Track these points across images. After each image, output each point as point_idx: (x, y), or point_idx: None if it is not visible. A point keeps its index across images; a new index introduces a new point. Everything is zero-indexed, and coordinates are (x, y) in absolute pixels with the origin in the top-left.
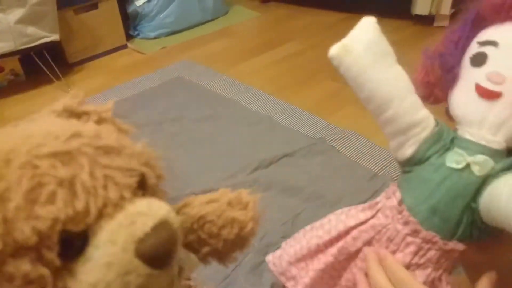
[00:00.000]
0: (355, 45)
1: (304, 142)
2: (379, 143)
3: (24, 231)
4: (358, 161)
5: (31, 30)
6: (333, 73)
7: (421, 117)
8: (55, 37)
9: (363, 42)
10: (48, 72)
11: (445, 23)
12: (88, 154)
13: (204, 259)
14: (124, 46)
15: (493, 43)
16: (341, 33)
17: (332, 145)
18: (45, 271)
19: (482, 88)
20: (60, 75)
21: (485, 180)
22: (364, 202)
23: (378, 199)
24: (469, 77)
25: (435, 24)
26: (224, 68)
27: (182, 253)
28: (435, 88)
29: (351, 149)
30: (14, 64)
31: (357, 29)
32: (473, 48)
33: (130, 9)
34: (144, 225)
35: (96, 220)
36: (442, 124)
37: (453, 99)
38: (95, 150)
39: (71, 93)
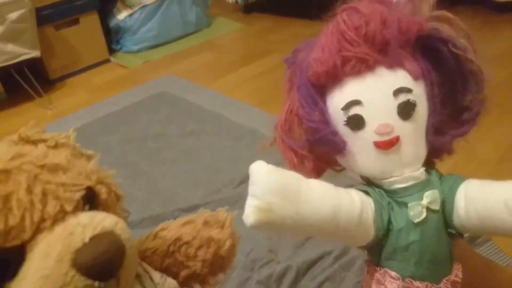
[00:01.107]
0: (269, 199)
1: None
2: None
3: None
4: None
5: (10, 47)
6: None
7: (360, 205)
8: (35, 53)
9: (275, 192)
10: (29, 89)
11: None
12: (28, 171)
13: (185, 284)
14: (107, 61)
15: (356, 103)
16: None
17: None
18: None
19: (381, 143)
20: (42, 92)
21: (442, 207)
22: None
23: None
24: (359, 141)
25: None
26: (208, 81)
27: (157, 278)
28: (321, 164)
29: None
30: None
31: (256, 182)
32: (339, 115)
33: (112, 23)
34: (83, 234)
35: (33, 235)
36: (368, 189)
37: (359, 165)
38: (37, 168)
39: (30, 123)
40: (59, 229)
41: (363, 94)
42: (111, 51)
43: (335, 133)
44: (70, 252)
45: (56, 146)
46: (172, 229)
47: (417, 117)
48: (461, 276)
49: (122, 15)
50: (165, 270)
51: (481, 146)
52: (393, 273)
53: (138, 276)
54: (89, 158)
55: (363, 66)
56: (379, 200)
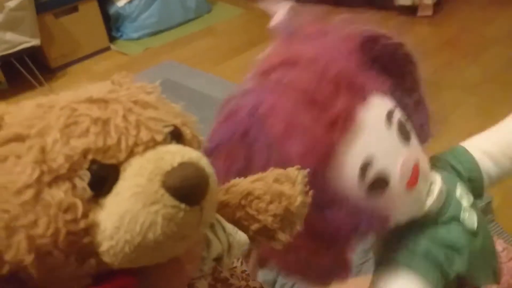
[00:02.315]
0: None
1: None
2: None
3: (58, 159)
4: None
5: (10, 36)
6: None
7: None
8: (35, 42)
9: None
10: (30, 78)
11: (429, 12)
12: (123, 103)
13: (253, 239)
14: (107, 49)
15: (367, 163)
16: None
17: None
18: (77, 201)
19: (411, 181)
20: (43, 80)
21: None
22: None
23: None
24: (388, 197)
25: (419, 14)
26: (210, 67)
27: (229, 228)
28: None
29: None
30: None
31: None
32: (354, 190)
33: (112, 10)
34: (172, 160)
35: (127, 157)
36: (424, 271)
37: (397, 218)
38: (131, 102)
39: (122, 72)
40: (151, 154)
41: (367, 148)
42: (111, 38)
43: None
44: (160, 173)
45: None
46: (243, 184)
47: (410, 129)
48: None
49: (121, 2)
50: (236, 224)
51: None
52: None
53: (211, 226)
54: (173, 107)
55: (349, 119)
56: (437, 271)
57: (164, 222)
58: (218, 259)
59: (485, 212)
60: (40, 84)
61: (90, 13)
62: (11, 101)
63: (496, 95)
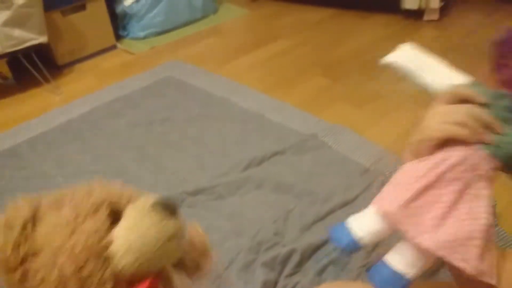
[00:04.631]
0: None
1: (296, 139)
2: (370, 138)
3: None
4: (350, 156)
5: (18, 32)
6: (323, 69)
7: None
8: (43, 39)
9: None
10: (37, 75)
11: (435, 16)
12: None
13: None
14: (114, 47)
15: None
16: (330, 29)
17: (323, 140)
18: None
19: None
20: (49, 77)
21: None
22: (356, 197)
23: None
24: None
25: (425, 18)
26: (214, 66)
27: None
28: None
29: (343, 145)
30: (2, 67)
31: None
32: None
33: (119, 9)
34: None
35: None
36: None
37: None
38: None
39: None
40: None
41: None
42: (118, 37)
43: None
44: (148, 203)
45: None
46: None
47: None
48: None
49: (128, 1)
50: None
51: None
52: None
53: None
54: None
55: None
56: None
57: (155, 225)
58: None
59: None
60: (47, 81)
61: (97, 11)
62: (18, 97)
63: None
